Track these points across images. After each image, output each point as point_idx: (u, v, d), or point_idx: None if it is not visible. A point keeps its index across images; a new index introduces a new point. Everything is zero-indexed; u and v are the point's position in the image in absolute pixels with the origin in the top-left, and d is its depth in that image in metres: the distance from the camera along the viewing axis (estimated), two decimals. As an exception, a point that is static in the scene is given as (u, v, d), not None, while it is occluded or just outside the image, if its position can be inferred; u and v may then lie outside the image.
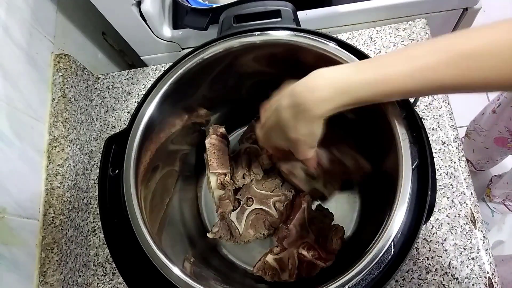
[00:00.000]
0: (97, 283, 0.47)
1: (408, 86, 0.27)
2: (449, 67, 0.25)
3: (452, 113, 0.49)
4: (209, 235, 0.43)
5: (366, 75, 0.28)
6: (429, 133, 0.48)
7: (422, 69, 0.26)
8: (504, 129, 0.77)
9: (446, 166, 0.46)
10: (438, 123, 0.49)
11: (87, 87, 0.58)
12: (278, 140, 0.33)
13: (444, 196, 0.45)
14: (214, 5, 0.52)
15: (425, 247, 0.43)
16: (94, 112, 0.57)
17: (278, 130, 0.32)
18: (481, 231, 0.43)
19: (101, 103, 0.58)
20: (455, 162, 0.47)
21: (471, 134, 0.90)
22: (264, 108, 0.35)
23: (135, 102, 0.57)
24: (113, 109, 0.57)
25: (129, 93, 0.58)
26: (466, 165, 0.46)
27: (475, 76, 0.25)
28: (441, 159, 0.47)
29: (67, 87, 0.53)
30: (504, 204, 0.98)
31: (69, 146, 0.50)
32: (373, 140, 0.40)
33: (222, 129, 0.45)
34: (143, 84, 0.58)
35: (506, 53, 0.24)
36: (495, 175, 1.00)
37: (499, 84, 0.26)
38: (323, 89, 0.28)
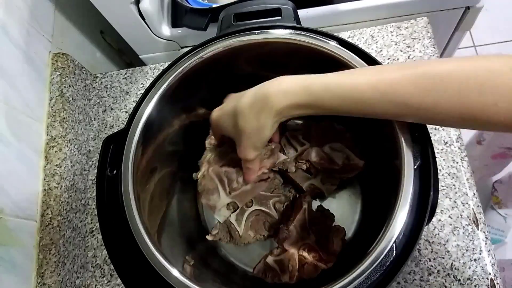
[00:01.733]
0: (95, 285, 0.47)
1: (372, 98, 0.27)
2: (411, 84, 0.26)
3: (454, 113, 0.49)
4: (208, 237, 0.42)
5: (332, 79, 0.28)
6: (431, 132, 0.48)
7: (386, 82, 0.26)
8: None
9: (448, 167, 0.46)
10: (440, 122, 0.48)
11: (85, 86, 0.57)
12: (227, 126, 0.33)
13: (446, 197, 0.45)
14: (214, 5, 0.52)
15: (427, 249, 0.43)
16: (92, 112, 0.57)
17: (232, 116, 0.32)
18: (484, 232, 0.43)
19: (99, 102, 0.58)
20: (457, 162, 0.46)
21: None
22: (230, 95, 0.35)
23: (134, 101, 0.57)
24: (111, 109, 0.57)
25: (128, 92, 0.57)
26: (468, 165, 0.46)
27: (432, 99, 0.25)
28: (444, 159, 0.46)
29: (65, 87, 0.52)
30: None
31: (67, 146, 0.50)
32: (374, 140, 0.40)
33: None
34: (142, 83, 0.58)
35: (465, 82, 0.24)
36: (495, 181, 1.00)
37: (449, 116, 0.25)
38: (288, 83, 0.29)
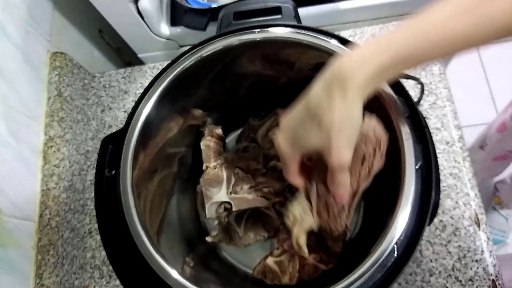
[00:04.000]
0: (94, 286, 0.47)
1: (457, 30, 0.23)
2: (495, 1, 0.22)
3: (456, 113, 0.49)
4: (207, 239, 0.42)
5: (413, 23, 0.24)
6: (432, 133, 0.47)
7: (466, 10, 0.23)
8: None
9: (450, 167, 0.46)
10: (442, 122, 0.48)
11: (83, 85, 0.57)
12: (308, 137, 0.25)
13: (448, 197, 0.44)
14: (213, 5, 0.51)
15: (428, 249, 0.43)
16: (91, 112, 0.57)
17: (308, 117, 0.25)
18: (485, 233, 0.43)
19: (97, 102, 0.57)
20: (459, 163, 0.46)
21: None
22: (285, 113, 0.28)
23: (132, 101, 0.56)
24: (110, 108, 0.56)
25: (126, 92, 0.57)
26: (470, 166, 0.46)
27: None
28: (445, 160, 0.46)
29: (63, 86, 0.52)
30: None
31: (65, 146, 0.49)
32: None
33: (218, 130, 0.45)
34: (140, 83, 0.57)
35: None
36: (497, 181, 0.99)
37: None
38: (361, 50, 0.24)
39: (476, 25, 0.23)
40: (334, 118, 0.24)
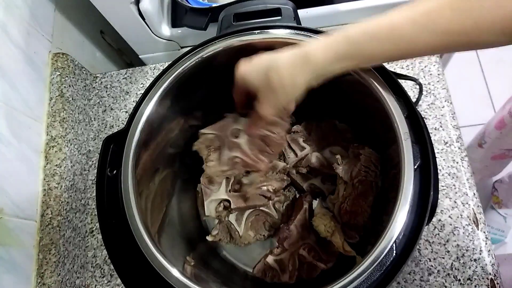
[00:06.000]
0: (95, 285, 0.47)
1: (412, 32, 0.26)
2: (448, 9, 0.25)
3: (454, 113, 0.49)
4: (208, 238, 0.42)
5: (369, 23, 0.28)
6: (431, 133, 0.48)
7: (423, 13, 0.26)
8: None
9: (448, 167, 0.46)
10: (440, 122, 0.48)
11: (85, 86, 0.57)
12: (254, 80, 0.32)
13: (446, 197, 0.45)
14: (214, 5, 0.52)
15: (427, 249, 0.43)
16: (92, 112, 0.57)
17: (264, 69, 0.31)
18: (484, 232, 0.43)
19: (99, 102, 0.58)
20: (457, 162, 0.46)
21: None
22: (261, 53, 0.33)
23: (134, 101, 0.57)
24: (111, 109, 0.57)
25: (127, 92, 0.57)
26: (468, 165, 0.46)
27: (472, 19, 0.24)
28: (444, 159, 0.46)
29: (64, 87, 0.52)
30: None
31: (67, 146, 0.50)
32: (375, 140, 0.40)
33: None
34: (142, 83, 0.58)
35: None
36: (496, 181, 1.00)
37: (490, 33, 0.25)
38: (327, 38, 0.29)
39: (420, 30, 0.26)
40: (277, 81, 0.30)
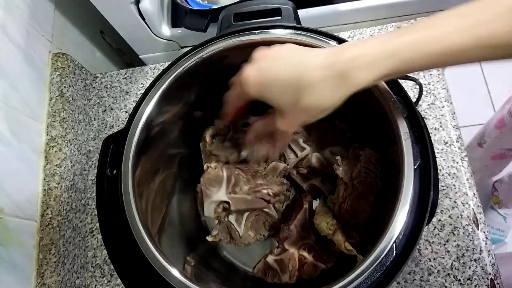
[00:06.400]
0: (95, 285, 0.47)
1: (466, 46, 0.24)
2: (505, 22, 0.23)
3: (454, 113, 0.49)
4: (208, 238, 0.42)
5: (412, 36, 0.25)
6: (431, 133, 0.48)
7: (474, 25, 0.24)
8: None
9: (448, 167, 0.46)
10: (440, 122, 0.48)
11: (85, 86, 0.57)
12: (280, 98, 0.27)
13: (446, 197, 0.45)
14: (214, 6, 0.52)
15: (427, 249, 0.43)
16: (92, 112, 0.57)
17: (289, 87, 0.26)
18: (484, 232, 0.43)
19: (99, 102, 0.58)
20: (457, 162, 0.46)
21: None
22: (263, 53, 0.28)
23: (133, 101, 0.57)
24: (111, 109, 0.57)
25: (127, 92, 0.57)
26: (468, 165, 0.46)
27: None
28: (444, 159, 0.46)
29: (64, 87, 0.52)
30: None
31: (67, 146, 0.50)
32: (375, 140, 0.40)
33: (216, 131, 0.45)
34: (142, 83, 0.58)
35: None
36: (496, 181, 1.00)
37: None
38: (369, 53, 0.25)
39: (474, 41, 0.24)
40: (313, 105, 0.26)
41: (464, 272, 0.41)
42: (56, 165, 0.48)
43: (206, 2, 0.56)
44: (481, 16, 0.24)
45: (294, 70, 0.26)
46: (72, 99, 0.53)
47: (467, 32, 0.24)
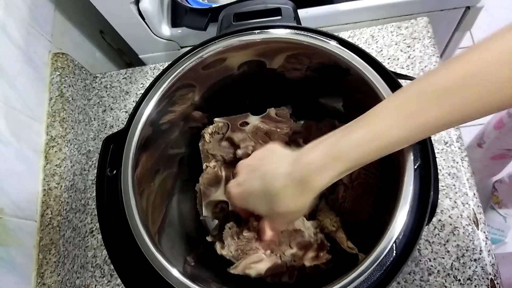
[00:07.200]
0: (95, 285, 0.47)
1: (401, 137, 0.26)
2: (432, 108, 0.25)
3: (454, 113, 0.49)
4: (208, 238, 0.42)
5: (354, 136, 0.27)
6: (431, 132, 0.48)
7: (407, 117, 0.25)
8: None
9: (448, 167, 0.46)
10: (440, 122, 0.48)
11: (84, 86, 0.57)
12: (257, 207, 0.31)
13: (446, 197, 0.45)
14: (214, 5, 0.52)
15: (427, 249, 0.43)
16: (92, 112, 0.57)
17: (263, 198, 0.30)
18: (484, 232, 0.43)
19: (99, 102, 0.58)
20: (457, 162, 0.46)
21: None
22: (243, 165, 0.33)
23: (133, 101, 0.57)
24: (111, 109, 0.57)
25: (127, 92, 0.57)
26: (468, 165, 0.46)
27: (461, 109, 0.24)
28: (444, 159, 0.46)
29: (64, 87, 0.52)
30: None
31: (67, 146, 0.50)
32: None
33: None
34: (142, 83, 0.58)
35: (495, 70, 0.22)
36: (496, 181, 1.00)
37: (497, 106, 0.24)
38: (320, 160, 0.27)
39: (413, 132, 0.26)
40: (284, 211, 0.29)
41: (464, 272, 0.41)
42: (56, 165, 0.48)
43: (206, 1, 0.56)
44: (411, 106, 0.25)
45: (263, 182, 0.30)
46: (72, 99, 0.53)
47: (406, 124, 0.26)
